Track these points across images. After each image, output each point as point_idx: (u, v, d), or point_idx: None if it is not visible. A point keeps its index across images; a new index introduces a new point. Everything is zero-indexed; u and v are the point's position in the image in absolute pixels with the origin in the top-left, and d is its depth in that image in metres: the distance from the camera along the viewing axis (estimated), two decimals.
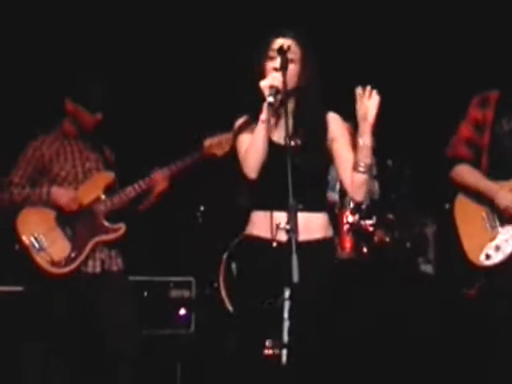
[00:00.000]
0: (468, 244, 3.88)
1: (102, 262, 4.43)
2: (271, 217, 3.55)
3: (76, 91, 4.46)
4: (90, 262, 4.40)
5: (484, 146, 3.90)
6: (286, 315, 3.25)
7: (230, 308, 5.77)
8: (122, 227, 4.46)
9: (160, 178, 4.47)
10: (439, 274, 5.79)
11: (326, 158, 3.69)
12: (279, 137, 3.58)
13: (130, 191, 4.46)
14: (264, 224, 3.61)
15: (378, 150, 6.47)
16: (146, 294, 5.98)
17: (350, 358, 5.14)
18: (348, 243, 5.95)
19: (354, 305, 5.60)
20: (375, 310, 5.52)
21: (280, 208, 3.46)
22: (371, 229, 5.98)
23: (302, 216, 3.42)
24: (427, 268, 5.97)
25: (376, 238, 5.99)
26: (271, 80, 3.49)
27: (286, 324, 3.25)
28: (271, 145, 3.57)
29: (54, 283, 4.33)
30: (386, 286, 5.74)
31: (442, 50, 6.59)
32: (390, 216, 6.12)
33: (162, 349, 5.49)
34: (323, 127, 3.67)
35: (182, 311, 5.86)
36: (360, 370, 5.10)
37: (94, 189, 4.45)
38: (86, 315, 4.40)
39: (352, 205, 6.08)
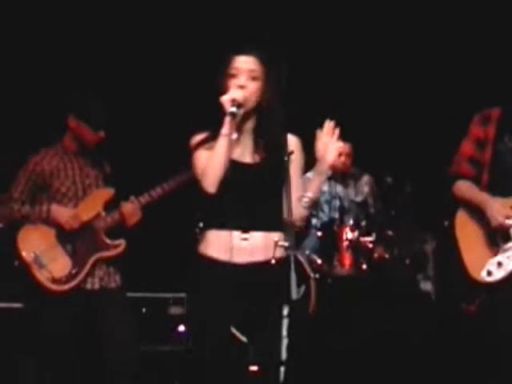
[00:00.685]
0: (469, 260, 3.87)
1: (101, 279, 4.42)
2: (231, 236, 3.51)
3: (79, 108, 4.46)
4: (89, 279, 4.40)
5: (485, 163, 3.90)
6: (284, 333, 3.25)
7: None
8: (122, 243, 4.45)
9: (127, 213, 4.46)
10: (439, 290, 5.78)
11: (284, 178, 3.58)
12: (239, 154, 3.58)
13: (130, 207, 4.46)
14: (221, 244, 3.56)
15: (377, 167, 6.54)
16: (144, 310, 5.97)
17: (349, 374, 5.12)
18: (347, 260, 5.95)
19: (353, 321, 5.59)
20: (375, 327, 5.51)
21: (238, 227, 3.50)
22: (371, 245, 5.99)
23: (260, 236, 3.52)
24: (427, 285, 5.96)
25: (375, 255, 6.00)
26: (233, 94, 3.51)
27: (285, 342, 3.25)
28: (231, 162, 3.55)
29: (53, 300, 4.32)
30: (386, 302, 5.73)
31: (444, 67, 6.60)
32: (390, 233, 6.12)
33: (161, 365, 5.47)
34: (282, 147, 3.58)
35: (181, 328, 5.84)
36: None
37: (93, 205, 4.45)
38: (84, 332, 4.39)
39: (352, 222, 6.09)
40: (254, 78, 3.59)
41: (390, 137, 6.84)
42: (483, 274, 3.82)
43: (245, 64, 3.59)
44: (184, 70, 6.35)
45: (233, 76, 3.59)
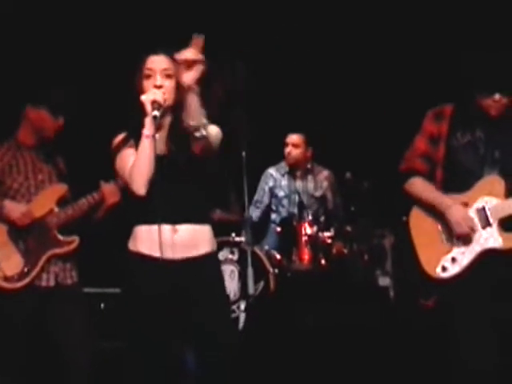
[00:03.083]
0: (424, 256, 3.88)
1: (56, 276, 4.37)
2: (159, 231, 3.49)
3: (38, 96, 4.42)
4: (44, 276, 4.34)
5: (439, 159, 3.91)
6: (241, 327, 3.27)
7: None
8: (75, 240, 4.40)
9: (107, 192, 4.43)
10: (396, 285, 5.81)
11: (204, 171, 3.67)
12: (158, 149, 3.58)
13: (83, 203, 4.41)
14: (151, 240, 3.57)
15: (336, 162, 6.56)
16: (103, 305, 5.93)
17: (306, 370, 5.13)
18: (306, 255, 5.98)
19: (311, 316, 5.60)
20: (333, 322, 5.52)
21: (167, 221, 3.51)
22: (329, 241, 6.02)
23: (187, 229, 3.55)
24: (385, 280, 5.99)
25: (334, 250, 6.03)
26: (153, 95, 3.54)
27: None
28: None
29: (5, 298, 4.26)
30: (344, 297, 5.75)
31: (397, 66, 6.65)
32: (348, 228, 6.15)
33: (121, 361, 5.43)
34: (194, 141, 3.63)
35: None
36: (316, 380, 5.09)
37: (46, 201, 4.39)
38: (38, 330, 4.34)
39: (311, 217, 6.10)
40: (168, 76, 3.61)
41: (349, 132, 6.88)
42: (438, 270, 3.83)
43: (158, 64, 3.62)
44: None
45: (148, 76, 3.62)
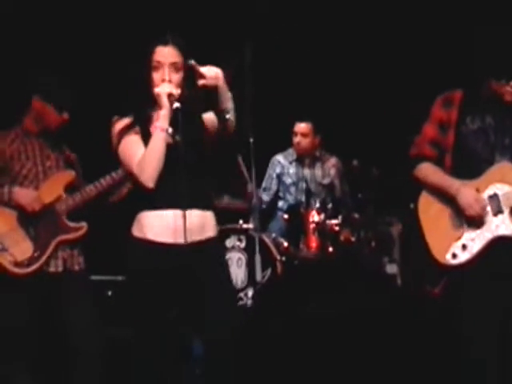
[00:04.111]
0: (433, 243, 3.85)
1: (64, 261, 4.38)
2: (174, 217, 3.54)
3: (45, 90, 4.42)
4: (52, 261, 4.35)
5: (448, 145, 3.87)
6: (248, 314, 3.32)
7: None
8: (83, 226, 4.41)
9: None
10: (404, 273, 5.81)
11: (207, 156, 3.71)
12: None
13: (91, 189, 4.42)
14: (160, 226, 3.60)
15: (344, 150, 6.55)
16: (110, 293, 5.94)
17: (313, 357, 5.13)
18: (314, 243, 5.97)
19: (319, 304, 5.60)
20: (340, 310, 5.52)
21: (177, 207, 3.52)
22: (337, 228, 6.01)
23: (196, 215, 3.57)
24: (392, 268, 5.99)
25: (342, 238, 6.03)
26: (168, 88, 3.57)
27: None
28: None
29: (15, 284, 4.27)
30: (351, 285, 5.75)
31: (406, 52, 6.62)
32: (356, 215, 6.15)
33: (127, 348, 5.44)
34: (200, 126, 3.70)
35: None
36: (323, 368, 5.09)
37: (55, 188, 4.40)
38: (47, 315, 4.35)
39: (318, 204, 6.10)
40: (176, 69, 3.63)
41: (357, 120, 6.86)
42: (448, 256, 3.80)
43: (166, 57, 3.63)
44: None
45: (156, 68, 3.63)
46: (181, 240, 3.50)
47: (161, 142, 3.55)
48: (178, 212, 3.52)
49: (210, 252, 3.67)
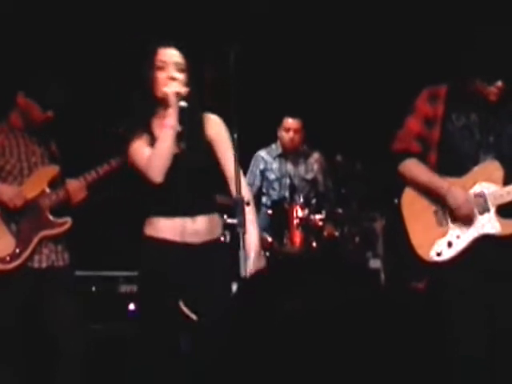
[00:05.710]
0: (417, 239, 3.84)
1: (48, 257, 4.37)
2: (182, 222, 3.67)
3: (30, 87, 4.41)
4: (36, 257, 4.34)
5: (433, 142, 3.86)
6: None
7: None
8: (67, 221, 4.40)
9: (73, 189, 4.42)
10: (388, 268, 5.82)
11: (210, 159, 3.79)
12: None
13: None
14: (173, 228, 3.70)
15: (327, 145, 6.55)
16: (94, 288, 5.93)
17: (297, 353, 5.14)
18: (297, 238, 5.97)
19: (302, 299, 5.61)
20: (323, 305, 5.53)
21: (186, 214, 3.66)
22: (320, 223, 6.01)
23: (203, 219, 3.72)
24: (376, 263, 6.00)
25: (325, 233, 6.02)
26: (175, 87, 3.65)
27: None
28: None
29: None
30: (335, 280, 5.76)
31: (387, 46, 6.64)
32: (340, 210, 6.15)
33: (111, 344, 5.44)
34: (201, 128, 3.78)
35: (132, 306, 5.82)
36: (307, 362, 5.10)
37: (38, 183, 4.39)
38: (30, 311, 4.33)
39: (302, 200, 6.10)
40: (181, 70, 3.70)
41: (340, 114, 6.87)
42: (432, 253, 3.80)
43: (170, 57, 3.71)
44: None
45: (160, 68, 3.69)
46: (191, 240, 3.68)
47: (168, 139, 3.64)
48: (187, 218, 3.68)
49: (217, 248, 3.80)
